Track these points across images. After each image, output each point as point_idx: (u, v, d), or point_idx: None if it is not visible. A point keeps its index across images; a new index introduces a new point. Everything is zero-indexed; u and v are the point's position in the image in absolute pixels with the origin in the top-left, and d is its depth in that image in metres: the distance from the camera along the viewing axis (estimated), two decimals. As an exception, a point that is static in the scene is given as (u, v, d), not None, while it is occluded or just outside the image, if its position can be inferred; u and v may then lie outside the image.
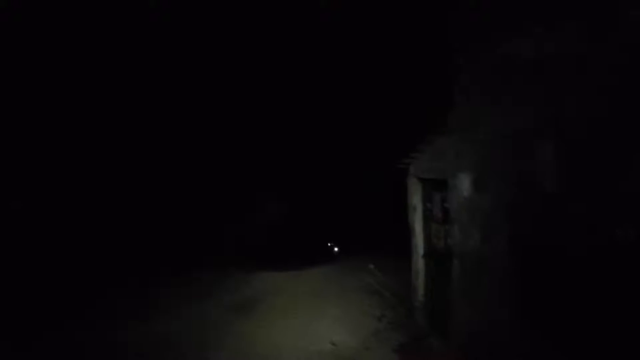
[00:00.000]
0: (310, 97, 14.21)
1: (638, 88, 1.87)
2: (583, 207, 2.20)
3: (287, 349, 5.67)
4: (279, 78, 13.66)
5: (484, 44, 3.42)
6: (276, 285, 9.15)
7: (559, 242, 2.43)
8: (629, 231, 1.89)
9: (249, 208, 14.92)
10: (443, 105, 4.33)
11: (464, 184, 3.94)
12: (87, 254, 10.72)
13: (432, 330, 5.53)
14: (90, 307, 7.70)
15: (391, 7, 9.24)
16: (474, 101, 3.71)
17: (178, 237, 12.97)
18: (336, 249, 13.53)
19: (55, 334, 6.37)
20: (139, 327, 6.54)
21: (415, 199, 6.30)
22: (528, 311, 2.87)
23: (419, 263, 6.18)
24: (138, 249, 11.63)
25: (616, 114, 1.98)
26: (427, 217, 6.03)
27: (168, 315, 7.08)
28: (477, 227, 3.67)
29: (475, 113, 3.66)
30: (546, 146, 2.51)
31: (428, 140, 5.07)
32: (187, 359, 5.45)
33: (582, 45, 2.21)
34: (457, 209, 4.17)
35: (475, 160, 3.68)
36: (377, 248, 12.19)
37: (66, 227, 11.25)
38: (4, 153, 10.25)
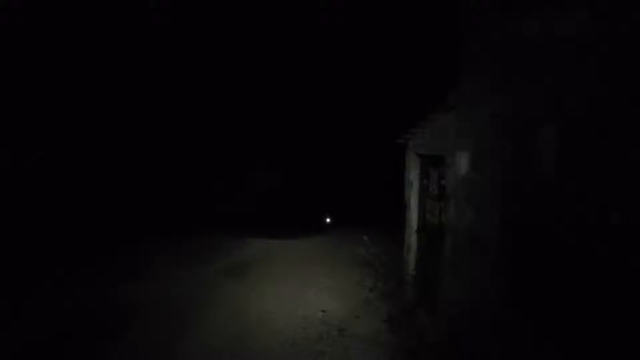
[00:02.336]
0: (310, 67, 14.08)
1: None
2: (580, 189, 2.22)
3: (278, 313, 5.81)
4: (276, 52, 13.57)
5: (493, 22, 3.36)
6: (269, 252, 9.27)
7: (553, 224, 2.47)
8: (623, 215, 1.92)
9: (243, 176, 14.95)
10: (447, 83, 4.30)
11: (462, 162, 3.96)
12: (87, 219, 10.82)
13: (420, 303, 5.66)
14: (90, 266, 7.84)
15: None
16: (478, 80, 3.67)
17: (173, 204, 13.06)
18: (330, 219, 13.64)
19: (57, 290, 6.49)
20: (136, 289, 6.64)
21: (413, 175, 6.32)
22: (516, 290, 2.94)
23: (412, 237, 6.26)
24: (132, 214, 11.70)
25: (618, 100, 1.98)
26: (423, 193, 6.07)
27: (163, 279, 7.19)
28: (472, 205, 3.71)
29: (478, 92, 3.64)
30: (548, 128, 2.51)
31: (429, 117, 5.04)
32: (182, 319, 5.56)
33: (589, 30, 2.18)
34: (454, 187, 4.20)
35: (475, 139, 3.68)
36: (371, 220, 12.33)
37: (70, 191, 11.38)
38: (14, 114, 10.33)
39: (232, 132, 14.85)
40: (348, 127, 15.28)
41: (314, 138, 15.56)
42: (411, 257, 6.28)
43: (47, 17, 9.96)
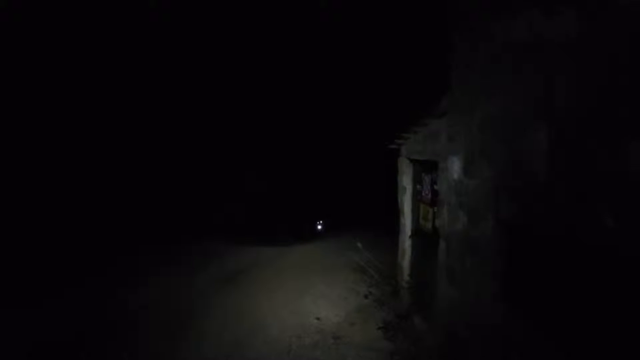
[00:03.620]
0: (301, 73, 14.12)
1: (628, 75, 1.87)
2: (572, 190, 2.22)
3: (273, 321, 5.77)
4: (266, 55, 13.61)
5: (481, 26, 3.39)
6: (263, 260, 9.21)
7: (547, 225, 2.47)
8: (615, 215, 1.92)
9: (238, 184, 14.89)
10: (438, 88, 4.32)
11: (455, 167, 3.96)
12: (85, 227, 10.74)
13: (416, 309, 5.63)
14: (89, 274, 7.78)
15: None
16: (469, 84, 3.69)
17: (168, 212, 12.97)
18: (322, 226, 13.60)
19: (51, 301, 6.42)
20: (128, 297, 6.60)
21: (406, 180, 6.33)
22: (511, 293, 2.94)
23: (406, 243, 6.26)
24: (129, 223, 11.61)
25: (608, 100, 1.99)
26: (416, 198, 6.08)
27: (159, 288, 7.13)
28: (465, 209, 3.71)
29: (470, 96, 3.65)
30: (539, 130, 2.52)
31: (421, 122, 5.06)
32: (178, 327, 5.51)
33: (577, 30, 2.20)
34: (447, 191, 4.20)
35: (467, 143, 3.69)
36: (365, 226, 12.32)
37: (70, 199, 11.32)
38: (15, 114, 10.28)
39: (225, 138, 14.81)
40: (341, 133, 15.30)
41: (306, 143, 15.55)
42: (405, 263, 6.27)
43: (47, 17, 9.91)
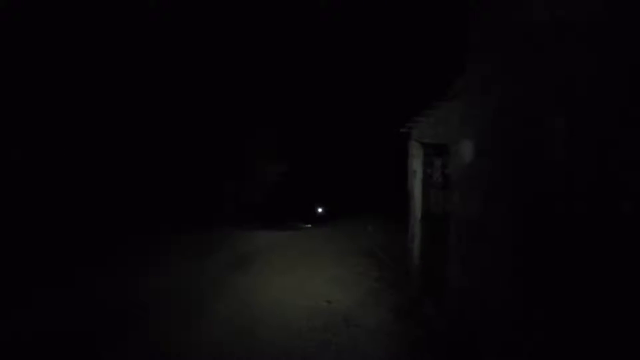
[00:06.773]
0: (313, 58, 13.99)
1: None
2: (591, 176, 2.18)
3: (284, 303, 5.82)
4: (277, 44, 13.52)
5: (500, 8, 3.30)
6: (273, 244, 9.28)
7: (561, 211, 2.43)
8: (635, 202, 1.88)
9: (249, 168, 14.94)
10: (452, 70, 4.24)
11: (467, 151, 3.91)
12: (89, 211, 10.85)
13: (426, 293, 5.65)
14: (94, 263, 7.85)
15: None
16: (485, 66, 3.61)
17: (180, 196, 13.08)
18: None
19: (65, 287, 6.52)
20: (142, 281, 6.69)
21: (416, 164, 6.29)
22: (523, 278, 2.92)
23: (416, 227, 6.25)
24: (141, 207, 11.73)
25: (630, 87, 1.93)
26: (427, 182, 6.04)
27: (170, 270, 7.23)
28: (477, 193, 3.68)
29: (485, 79, 3.58)
30: (558, 115, 2.47)
31: (433, 105, 4.99)
32: (189, 311, 5.58)
33: (601, 17, 2.12)
34: (458, 175, 4.16)
35: (480, 126, 3.63)
36: (376, 210, 12.32)
37: (84, 189, 11.43)
38: (6, 103, 10.29)
39: (238, 125, 14.83)
40: (352, 117, 15.22)
41: (318, 129, 15.50)
42: (416, 247, 6.27)
43: (47, 17, 9.92)
